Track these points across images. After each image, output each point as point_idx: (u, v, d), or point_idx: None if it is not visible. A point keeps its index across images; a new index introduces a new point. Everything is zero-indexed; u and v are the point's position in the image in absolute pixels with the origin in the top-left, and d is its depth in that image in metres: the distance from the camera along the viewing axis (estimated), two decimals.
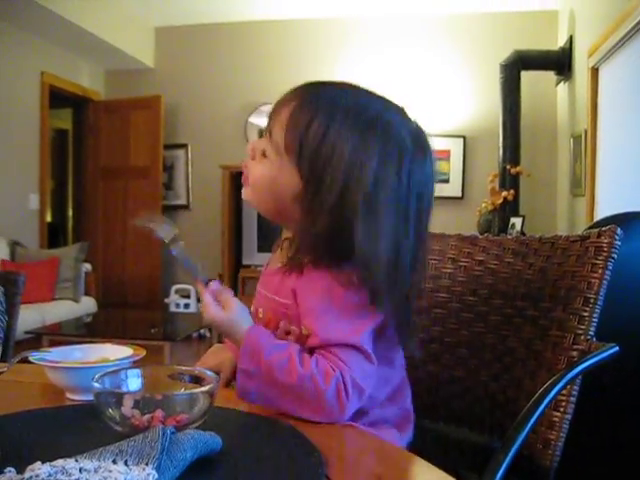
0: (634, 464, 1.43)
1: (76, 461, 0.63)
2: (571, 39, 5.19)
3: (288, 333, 1.01)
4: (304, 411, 0.91)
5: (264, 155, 1.02)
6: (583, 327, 1.07)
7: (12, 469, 0.63)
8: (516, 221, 5.19)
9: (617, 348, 1.01)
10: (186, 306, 6.16)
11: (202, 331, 5.72)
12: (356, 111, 0.97)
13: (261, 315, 1.07)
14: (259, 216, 5.84)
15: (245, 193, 1.06)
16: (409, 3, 5.92)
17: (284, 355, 0.92)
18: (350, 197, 0.93)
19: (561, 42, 5.55)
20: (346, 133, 0.94)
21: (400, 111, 1.04)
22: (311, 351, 0.95)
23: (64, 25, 5.42)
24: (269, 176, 1.01)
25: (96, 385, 0.81)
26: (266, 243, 5.84)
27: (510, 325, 1.21)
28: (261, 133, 5.55)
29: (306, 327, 0.97)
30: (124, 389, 0.86)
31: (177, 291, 6.27)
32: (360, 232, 0.92)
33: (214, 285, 0.97)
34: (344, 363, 0.92)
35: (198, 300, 6.19)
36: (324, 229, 0.94)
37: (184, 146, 6.71)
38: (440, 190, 6.10)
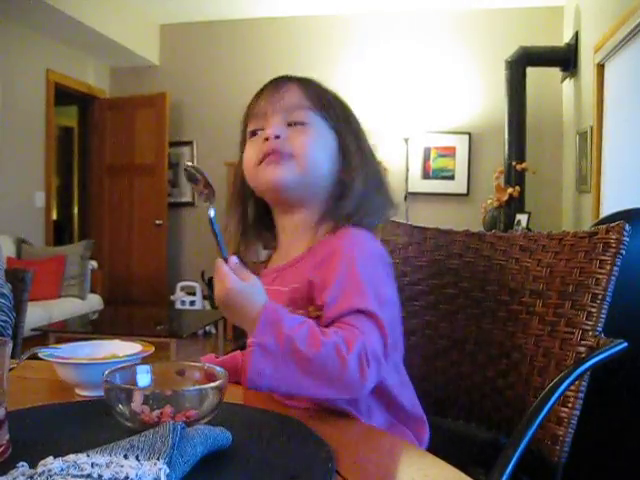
0: None
1: (87, 456, 0.64)
2: (577, 35, 5.17)
3: None
4: (322, 387, 0.86)
5: (294, 125, 1.06)
6: (591, 323, 1.07)
7: (24, 464, 0.63)
8: (522, 218, 5.18)
9: (625, 344, 1.01)
10: (191, 303, 6.17)
11: (208, 328, 5.73)
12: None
13: None
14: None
15: (284, 170, 1.04)
16: None
17: (304, 325, 0.88)
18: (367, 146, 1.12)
19: (567, 38, 5.53)
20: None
21: None
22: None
23: (69, 23, 5.43)
24: (319, 141, 1.06)
25: (106, 381, 0.81)
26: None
27: (517, 321, 1.21)
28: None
29: (322, 300, 0.95)
30: (134, 385, 0.87)
31: (182, 288, 6.29)
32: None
33: (233, 260, 0.92)
34: (360, 331, 0.89)
35: (204, 297, 6.21)
36: (367, 180, 1.07)
37: (189, 143, 6.72)
38: (445, 187, 6.18)
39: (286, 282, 1.03)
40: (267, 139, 1.05)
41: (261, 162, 1.05)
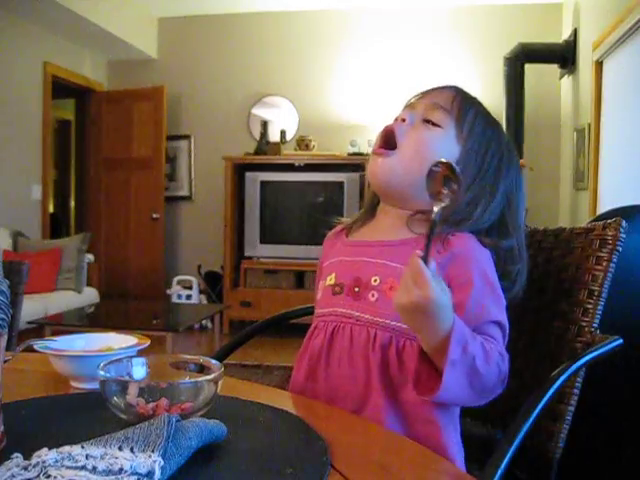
0: (636, 455, 1.44)
1: (82, 448, 0.64)
2: (575, 32, 5.17)
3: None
4: (477, 399, 0.93)
5: (428, 123, 1.07)
6: (587, 319, 1.07)
7: (19, 455, 0.63)
8: None
9: (621, 340, 1.01)
10: (188, 297, 6.16)
11: (204, 322, 5.73)
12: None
13: (377, 282, 1.03)
14: (262, 208, 5.85)
15: (388, 161, 1.06)
16: None
17: (478, 340, 0.91)
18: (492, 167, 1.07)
19: (565, 35, 5.53)
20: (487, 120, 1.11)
21: None
22: None
23: (67, 15, 5.40)
24: (436, 141, 1.05)
25: (101, 373, 0.81)
26: (268, 235, 5.85)
27: (512, 316, 1.21)
28: (265, 124, 5.50)
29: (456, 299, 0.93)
30: (129, 377, 0.87)
31: (179, 282, 6.28)
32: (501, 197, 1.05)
33: (433, 265, 0.85)
34: (501, 344, 0.96)
35: (200, 291, 6.20)
36: (478, 197, 1.03)
37: (187, 137, 6.70)
38: None
39: (397, 260, 1.02)
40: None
41: (374, 151, 1.09)
